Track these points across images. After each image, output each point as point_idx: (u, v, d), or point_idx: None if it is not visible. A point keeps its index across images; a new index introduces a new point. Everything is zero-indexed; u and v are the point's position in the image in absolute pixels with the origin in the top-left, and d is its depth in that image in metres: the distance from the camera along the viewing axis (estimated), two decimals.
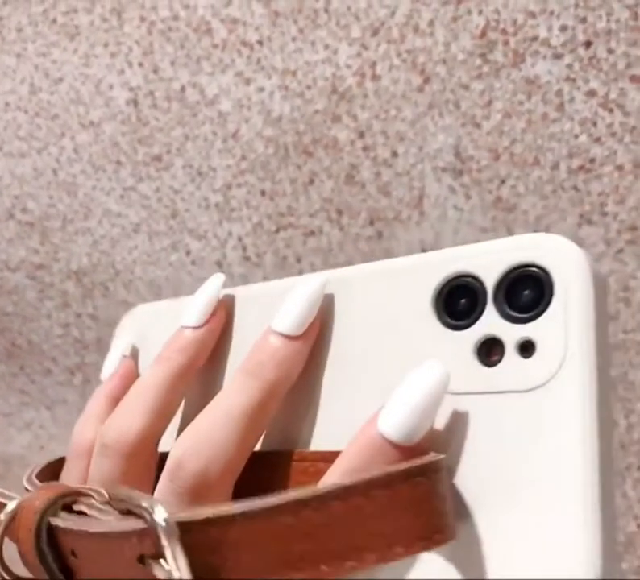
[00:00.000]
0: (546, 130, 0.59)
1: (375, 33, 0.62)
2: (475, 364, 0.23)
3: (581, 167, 0.59)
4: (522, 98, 0.59)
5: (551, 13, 0.57)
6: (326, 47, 0.64)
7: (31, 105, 0.77)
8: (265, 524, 0.19)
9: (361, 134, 0.65)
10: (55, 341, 0.84)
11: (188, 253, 0.75)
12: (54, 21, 0.73)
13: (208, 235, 0.73)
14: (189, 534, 0.18)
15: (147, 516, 0.19)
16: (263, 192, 0.69)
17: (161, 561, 0.19)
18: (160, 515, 0.19)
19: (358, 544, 0.19)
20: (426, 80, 0.62)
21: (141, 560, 0.20)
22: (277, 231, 0.70)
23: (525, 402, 0.21)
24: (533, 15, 0.57)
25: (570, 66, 0.57)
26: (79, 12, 0.72)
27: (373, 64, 0.63)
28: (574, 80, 0.57)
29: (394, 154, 0.64)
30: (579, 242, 0.61)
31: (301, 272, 0.70)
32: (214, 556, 0.18)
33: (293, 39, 0.65)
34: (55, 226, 0.80)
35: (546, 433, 0.20)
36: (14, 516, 0.25)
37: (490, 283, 0.23)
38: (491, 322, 0.22)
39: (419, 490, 0.19)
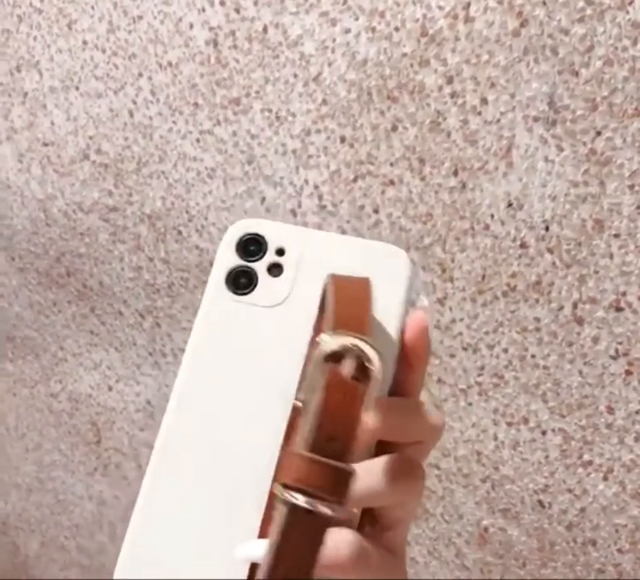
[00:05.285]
0: None
1: None
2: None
3: None
4: (627, 44, 0.56)
5: None
6: None
7: (109, 44, 0.75)
8: None
9: (450, 80, 0.62)
10: (126, 284, 0.85)
11: (262, 200, 0.73)
12: None
13: (284, 182, 0.72)
14: None
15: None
16: (342, 139, 0.67)
17: None
18: None
19: None
20: (523, 24, 0.58)
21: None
22: (355, 180, 0.68)
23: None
24: None
25: None
26: None
27: (467, 6, 0.60)
28: None
29: (484, 101, 0.61)
30: None
31: (377, 223, 0.69)
32: None
33: None
34: (129, 169, 0.79)
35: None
36: None
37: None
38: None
39: None
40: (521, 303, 0.65)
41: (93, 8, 0.75)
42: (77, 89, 0.79)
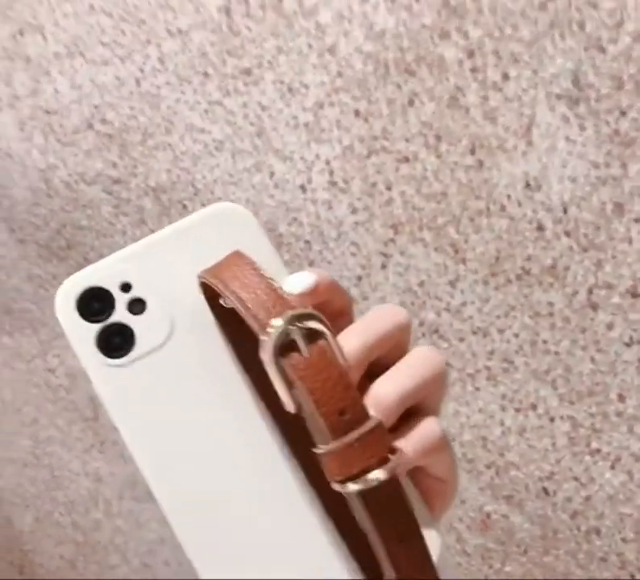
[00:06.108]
0: None
1: None
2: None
3: None
4: None
5: None
6: None
7: (117, 9, 0.73)
8: None
9: (471, 54, 0.60)
10: None
11: (271, 175, 0.71)
12: None
13: (294, 157, 0.70)
14: None
15: None
16: (357, 113, 0.65)
17: None
18: None
19: None
20: None
21: None
22: (369, 156, 0.66)
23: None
24: None
25: None
26: None
27: None
28: None
29: (505, 77, 0.59)
30: None
31: (390, 201, 0.67)
32: None
33: None
34: (135, 140, 0.77)
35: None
36: None
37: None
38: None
39: None
40: (535, 287, 0.64)
41: None
42: (83, 55, 0.76)
